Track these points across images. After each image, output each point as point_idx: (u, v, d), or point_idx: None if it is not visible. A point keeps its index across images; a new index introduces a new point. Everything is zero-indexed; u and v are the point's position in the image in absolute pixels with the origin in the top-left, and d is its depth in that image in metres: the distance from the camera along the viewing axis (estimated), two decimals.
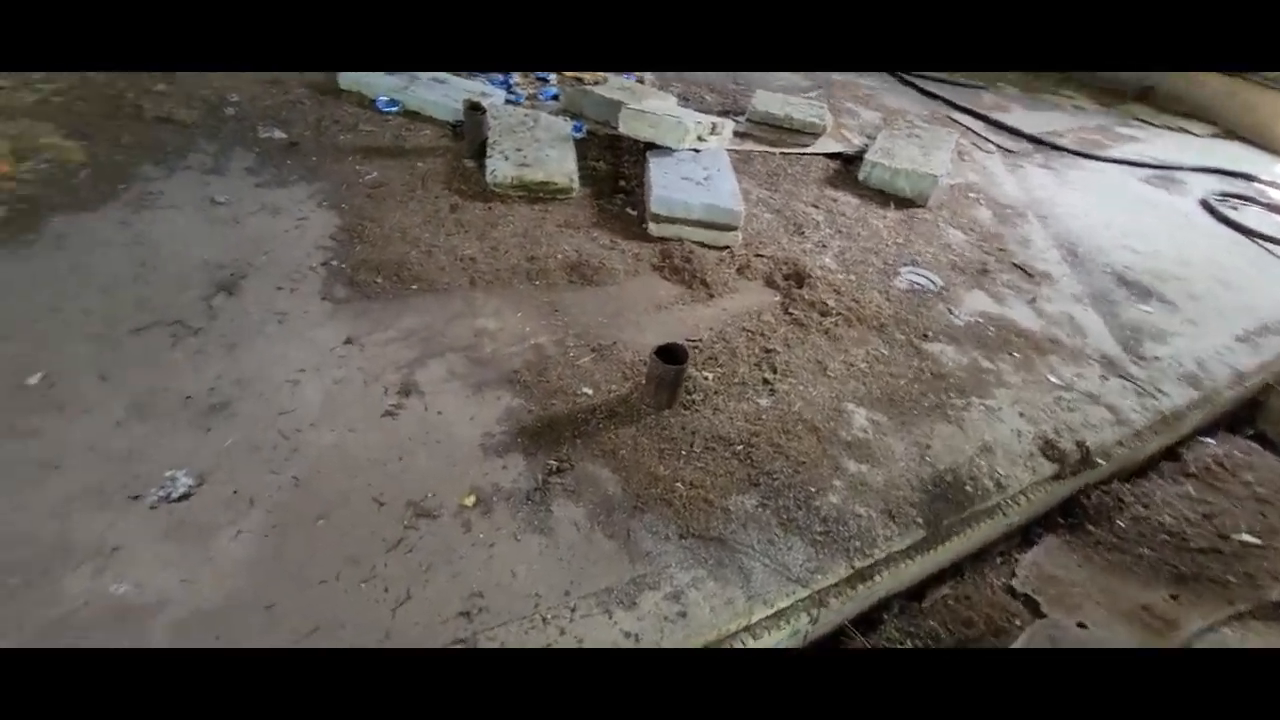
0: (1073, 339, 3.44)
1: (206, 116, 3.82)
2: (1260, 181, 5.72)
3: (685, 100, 5.13)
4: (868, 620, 2.30)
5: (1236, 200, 5.31)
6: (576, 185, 3.77)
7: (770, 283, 3.42)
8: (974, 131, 5.78)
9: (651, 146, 4.03)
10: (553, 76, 5.11)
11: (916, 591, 2.43)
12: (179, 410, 2.25)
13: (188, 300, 2.66)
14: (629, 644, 1.84)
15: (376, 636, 1.76)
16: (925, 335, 3.24)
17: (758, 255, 3.58)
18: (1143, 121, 6.71)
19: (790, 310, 3.22)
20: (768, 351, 2.94)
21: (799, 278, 3.44)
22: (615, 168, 4.17)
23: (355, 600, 1.83)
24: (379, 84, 4.36)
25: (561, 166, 3.77)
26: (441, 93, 4.39)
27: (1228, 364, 3.48)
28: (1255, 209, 5.25)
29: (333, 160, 3.69)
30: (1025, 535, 2.72)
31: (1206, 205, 5.14)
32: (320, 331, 2.64)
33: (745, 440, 2.50)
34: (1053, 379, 3.13)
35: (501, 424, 2.40)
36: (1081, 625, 2.25)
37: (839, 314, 3.22)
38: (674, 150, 3.99)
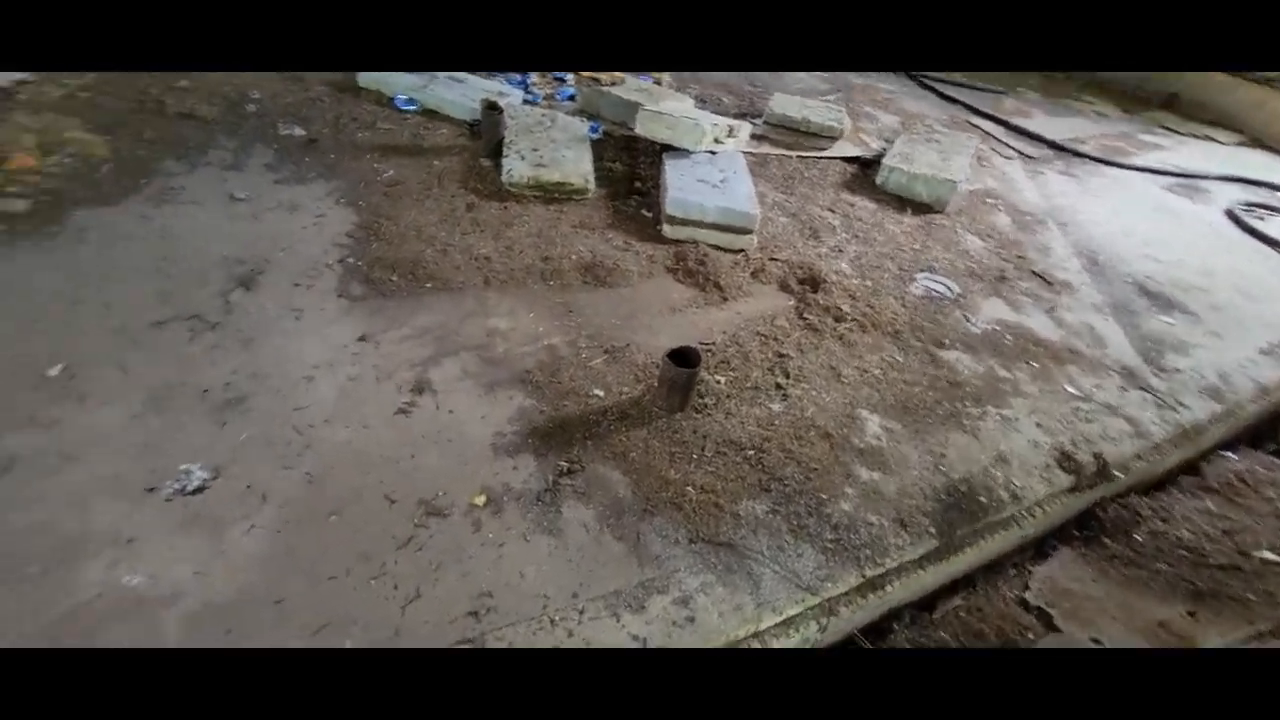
0: (1092, 349, 3.39)
1: (227, 113, 3.86)
2: None
3: (702, 102, 5.12)
4: (878, 630, 2.27)
5: (1262, 210, 5.21)
6: (592, 186, 3.78)
7: (785, 287, 3.40)
8: (994, 137, 5.72)
9: (668, 148, 4.03)
10: (570, 77, 5.12)
11: (928, 602, 2.40)
12: (195, 404, 2.27)
13: (206, 295, 2.68)
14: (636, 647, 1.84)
15: (386, 634, 1.77)
16: (941, 343, 3.20)
17: (772, 259, 3.56)
18: (1167, 129, 6.60)
19: (804, 315, 3.20)
20: (781, 356, 2.93)
21: (814, 282, 3.41)
22: (631, 169, 4.17)
23: (365, 597, 1.84)
24: (397, 82, 4.38)
25: (577, 167, 3.78)
26: (459, 92, 4.41)
27: (1251, 377, 3.42)
28: None
29: (351, 158, 3.72)
30: (1040, 548, 2.68)
31: (1231, 215, 5.05)
32: (335, 328, 2.66)
33: (757, 445, 2.48)
34: (1071, 389, 3.09)
35: (513, 424, 2.41)
36: (1096, 642, 2.21)
37: (853, 319, 3.20)
38: (690, 152, 3.98)
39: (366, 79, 4.43)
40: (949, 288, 3.63)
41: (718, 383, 2.73)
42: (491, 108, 3.92)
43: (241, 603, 1.78)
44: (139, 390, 2.27)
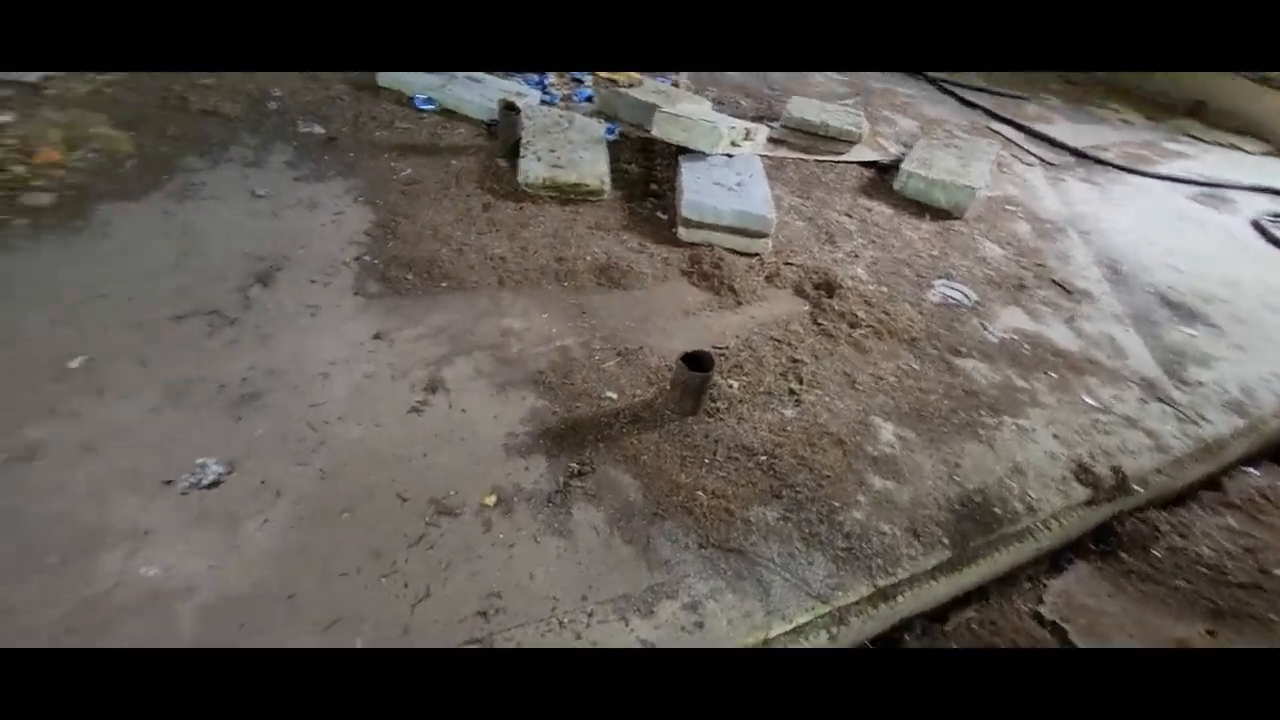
0: (1112, 360, 3.34)
1: (249, 111, 3.91)
2: None
3: (720, 105, 5.10)
4: (888, 640, 2.25)
5: None
6: (608, 188, 3.78)
7: (799, 292, 3.38)
8: (1014, 143, 5.65)
9: (684, 150, 4.02)
10: (588, 78, 5.13)
11: (940, 613, 2.37)
12: (212, 398, 2.29)
13: (225, 290, 2.71)
14: None
15: (395, 631, 1.78)
16: (957, 351, 3.17)
17: (788, 263, 3.54)
18: (1193, 138, 6.49)
19: (819, 320, 3.18)
20: (795, 361, 2.91)
21: (829, 287, 3.39)
22: (647, 171, 4.17)
23: (376, 594, 1.85)
24: (416, 82, 4.41)
25: (594, 168, 3.78)
26: (477, 92, 4.43)
27: (1275, 392, 3.35)
28: None
29: (369, 156, 3.75)
30: (1055, 561, 2.64)
31: (1257, 226, 4.96)
32: (351, 325, 2.68)
33: (769, 451, 2.47)
34: (1089, 401, 3.04)
35: (525, 424, 2.41)
36: None
37: (869, 326, 3.17)
38: (707, 155, 3.98)
39: (386, 78, 4.46)
40: (966, 295, 3.59)
41: (730, 387, 2.71)
42: (509, 108, 3.94)
43: (255, 597, 1.80)
44: (157, 384, 2.30)
